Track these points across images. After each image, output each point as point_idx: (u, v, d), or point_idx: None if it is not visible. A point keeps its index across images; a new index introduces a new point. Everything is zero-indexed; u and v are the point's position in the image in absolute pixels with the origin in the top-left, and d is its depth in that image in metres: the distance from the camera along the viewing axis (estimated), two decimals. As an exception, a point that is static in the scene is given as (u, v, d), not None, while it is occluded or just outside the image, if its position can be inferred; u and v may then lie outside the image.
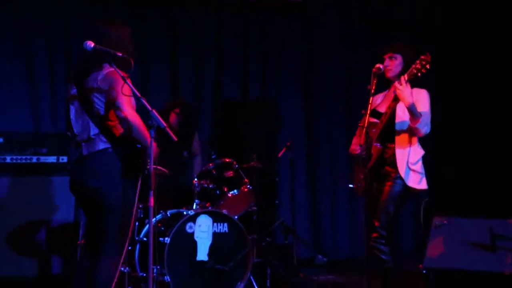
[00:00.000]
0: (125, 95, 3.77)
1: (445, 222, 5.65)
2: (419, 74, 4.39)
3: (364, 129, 4.40)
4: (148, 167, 3.76)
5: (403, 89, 4.41)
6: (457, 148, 7.48)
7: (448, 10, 7.48)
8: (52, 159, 5.59)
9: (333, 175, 7.45)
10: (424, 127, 4.50)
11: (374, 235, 4.59)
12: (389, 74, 4.64)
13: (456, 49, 7.49)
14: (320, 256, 6.97)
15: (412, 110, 4.44)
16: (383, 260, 4.62)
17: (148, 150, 3.78)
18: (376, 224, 4.59)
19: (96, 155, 3.86)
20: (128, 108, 3.77)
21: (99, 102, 3.87)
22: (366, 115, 4.46)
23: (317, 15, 7.48)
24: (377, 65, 4.57)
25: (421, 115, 4.46)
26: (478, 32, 7.31)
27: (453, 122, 7.45)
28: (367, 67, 4.69)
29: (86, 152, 3.87)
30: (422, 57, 4.36)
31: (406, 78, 4.44)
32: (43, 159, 5.57)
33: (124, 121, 3.79)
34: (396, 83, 4.47)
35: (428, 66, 4.34)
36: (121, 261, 3.84)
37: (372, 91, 4.52)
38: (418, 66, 4.37)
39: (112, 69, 3.84)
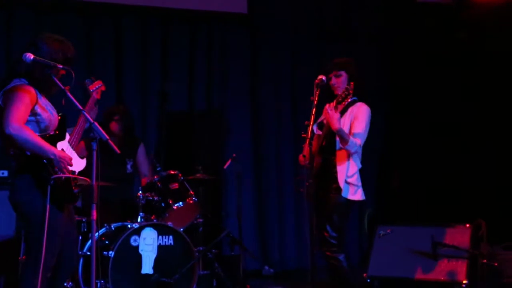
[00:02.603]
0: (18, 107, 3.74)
1: (389, 231, 5.76)
2: (344, 103, 4.64)
3: (308, 139, 4.52)
4: (54, 177, 3.76)
5: (331, 115, 4.63)
6: (401, 157, 7.62)
7: (398, 21, 7.66)
8: (-9, 173, 5.47)
9: (280, 186, 7.48)
10: (353, 148, 4.71)
11: (325, 245, 4.74)
12: (338, 91, 4.82)
13: (403, 59, 7.65)
14: (267, 267, 6.98)
15: (340, 135, 4.68)
16: (339, 268, 4.74)
17: (53, 162, 3.77)
18: (325, 235, 4.75)
19: (15, 172, 3.89)
20: (12, 123, 3.71)
21: None
22: (309, 126, 4.55)
23: (263, 26, 7.52)
24: (320, 77, 4.71)
25: (349, 138, 4.66)
26: (428, 38, 7.50)
27: (399, 130, 7.60)
28: (313, 78, 4.77)
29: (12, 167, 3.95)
30: (347, 86, 4.63)
31: (334, 104, 4.65)
32: (-18, 173, 5.45)
33: (9, 138, 3.74)
34: (327, 108, 4.67)
35: (351, 92, 4.58)
36: (39, 277, 3.73)
37: (315, 102, 4.64)
38: (343, 95, 4.63)
39: (16, 84, 3.83)
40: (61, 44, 3.96)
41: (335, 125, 4.62)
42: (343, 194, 4.73)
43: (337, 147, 4.78)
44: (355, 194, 4.80)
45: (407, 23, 7.57)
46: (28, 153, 3.79)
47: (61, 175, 3.79)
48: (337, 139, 4.76)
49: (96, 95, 4.35)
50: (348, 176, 4.76)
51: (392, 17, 7.68)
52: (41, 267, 3.73)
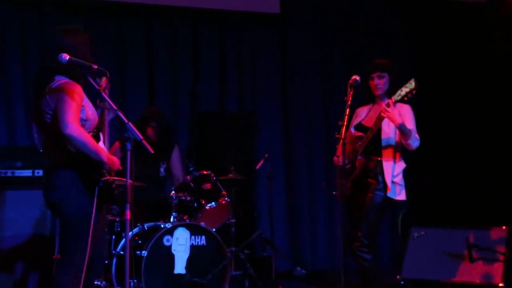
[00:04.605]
0: (74, 106, 3.70)
1: (423, 233, 5.69)
2: (405, 99, 4.60)
3: (341, 140, 4.49)
4: (103, 179, 3.77)
5: (392, 111, 4.60)
6: (436, 159, 7.54)
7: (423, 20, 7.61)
8: (27, 172, 5.51)
9: (311, 187, 7.44)
10: (415, 142, 4.72)
11: (357, 244, 4.76)
12: (378, 92, 4.88)
13: (433, 58, 7.57)
14: (299, 268, 6.95)
15: (402, 129, 4.65)
16: (366, 268, 4.77)
17: (103, 164, 3.78)
18: (359, 234, 4.76)
19: (54, 170, 3.83)
20: (72, 124, 3.67)
21: (49, 117, 3.81)
22: (343, 126, 4.53)
23: (295, 26, 7.51)
24: (354, 77, 4.67)
25: (411, 133, 4.67)
26: (453, 40, 7.42)
27: (432, 133, 7.52)
28: (345, 77, 4.79)
29: (47, 166, 3.90)
30: (410, 82, 4.57)
31: (394, 101, 4.61)
32: (18, 172, 5.49)
33: (68, 138, 3.70)
34: (384, 106, 4.63)
35: (414, 92, 4.55)
36: (82, 275, 3.74)
37: (349, 102, 4.61)
38: (405, 91, 4.57)
39: (64, 81, 3.81)
40: (77, 35, 3.97)
41: (398, 120, 4.60)
42: (390, 194, 4.73)
43: (383, 147, 4.78)
44: (400, 194, 4.81)
45: (433, 21, 7.51)
46: (72, 151, 3.76)
47: (110, 177, 3.81)
48: (384, 137, 4.77)
49: None
50: (394, 175, 4.77)
51: (422, 14, 7.64)
52: (84, 267, 3.74)
